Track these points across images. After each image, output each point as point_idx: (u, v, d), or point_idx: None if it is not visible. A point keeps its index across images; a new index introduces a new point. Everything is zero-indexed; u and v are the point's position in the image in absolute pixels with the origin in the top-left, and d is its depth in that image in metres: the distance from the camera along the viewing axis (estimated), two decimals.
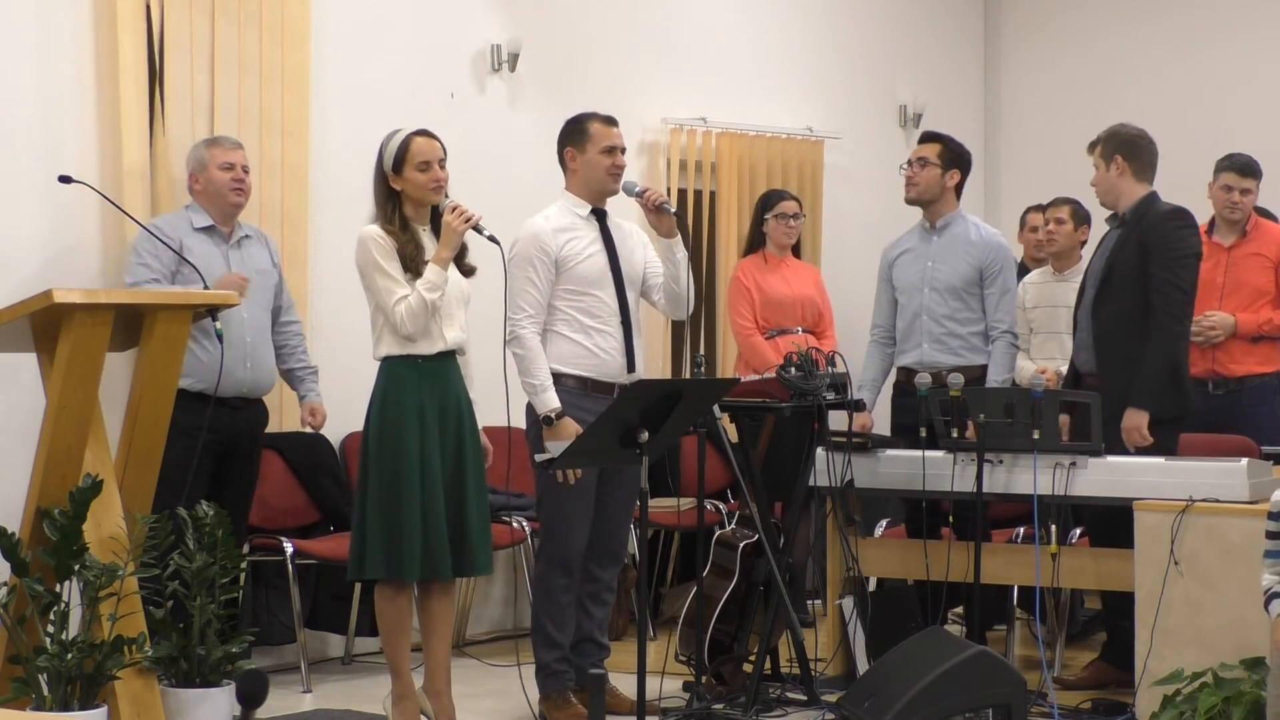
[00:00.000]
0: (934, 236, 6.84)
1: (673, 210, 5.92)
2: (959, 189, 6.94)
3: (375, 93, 7.17)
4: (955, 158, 6.89)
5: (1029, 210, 8.29)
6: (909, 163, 6.92)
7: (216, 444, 6.02)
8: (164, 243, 5.94)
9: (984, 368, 6.70)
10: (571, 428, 5.74)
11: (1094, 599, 7.68)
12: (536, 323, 5.87)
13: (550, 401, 5.80)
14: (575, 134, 6.04)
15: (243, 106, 6.66)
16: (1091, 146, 6.42)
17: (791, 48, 9.14)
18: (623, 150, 6.03)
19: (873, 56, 9.55)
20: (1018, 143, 10.00)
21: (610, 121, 6.04)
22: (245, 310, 6.11)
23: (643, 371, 6.09)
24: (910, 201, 6.90)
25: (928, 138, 7.02)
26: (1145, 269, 6.17)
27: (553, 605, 5.97)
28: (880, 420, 7.02)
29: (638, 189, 5.96)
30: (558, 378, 5.87)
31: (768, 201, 7.93)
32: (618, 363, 5.96)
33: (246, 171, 6.29)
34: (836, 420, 6.43)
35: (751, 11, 8.98)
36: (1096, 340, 6.27)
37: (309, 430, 6.56)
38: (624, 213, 6.28)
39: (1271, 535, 4.71)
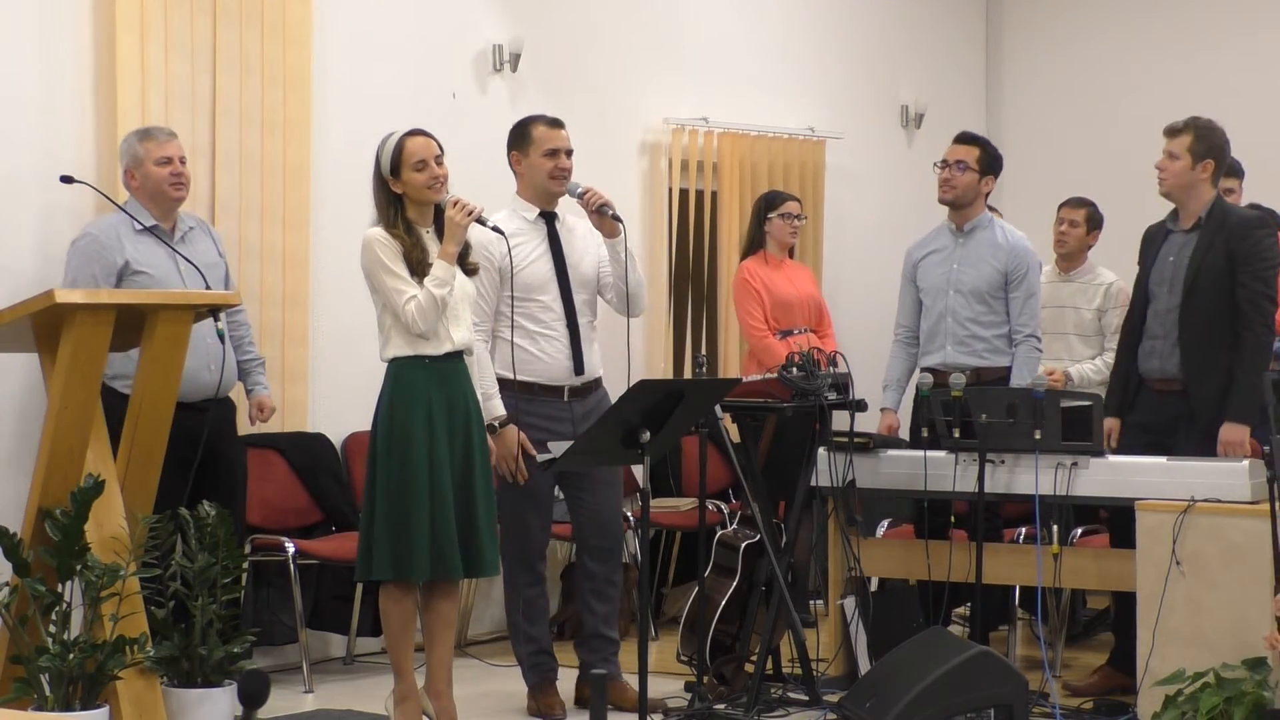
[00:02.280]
0: (960, 239, 6.78)
1: (611, 213, 5.93)
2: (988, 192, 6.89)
3: (376, 93, 7.17)
4: (992, 162, 6.77)
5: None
6: (945, 164, 6.77)
7: (193, 451, 5.72)
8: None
9: (1006, 369, 6.66)
10: (512, 435, 5.85)
11: (1096, 599, 7.69)
12: (482, 329, 5.90)
13: (494, 410, 5.85)
14: (519, 138, 6.09)
15: (243, 106, 6.66)
16: (1173, 131, 6.24)
17: (793, 48, 9.14)
18: (568, 153, 6.05)
19: (874, 56, 9.55)
20: (1019, 143, 9.98)
21: (554, 124, 6.08)
22: None
23: (619, 372, 6.07)
24: (945, 204, 6.80)
25: (966, 139, 6.84)
26: (1234, 276, 6.11)
27: (521, 601, 6.08)
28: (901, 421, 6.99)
29: (579, 190, 5.97)
30: (505, 384, 5.91)
31: (771, 201, 7.90)
32: (563, 366, 6.00)
33: (184, 162, 6.06)
34: (839, 420, 6.41)
35: (752, 11, 8.97)
36: (1185, 348, 6.16)
37: (257, 424, 6.35)
38: (579, 213, 6.22)
39: None
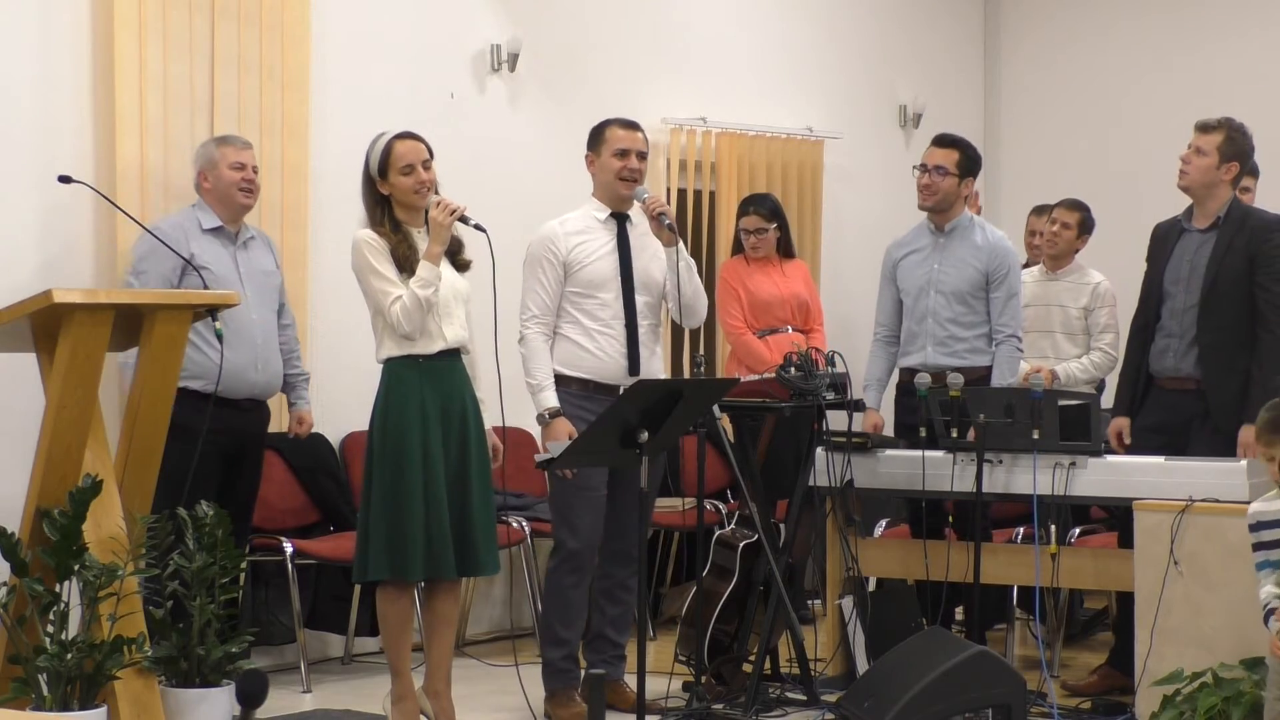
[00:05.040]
0: (941, 239, 6.76)
1: (667, 222, 5.93)
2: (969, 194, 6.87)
3: (375, 93, 7.17)
4: (971, 164, 6.73)
5: None
6: (924, 168, 6.71)
7: (228, 445, 6.02)
8: (171, 249, 5.90)
9: (987, 369, 6.65)
10: (564, 428, 5.83)
11: (1094, 599, 7.70)
12: (541, 323, 5.95)
13: (546, 401, 5.88)
14: (594, 138, 6.12)
15: (243, 106, 6.66)
16: (1205, 128, 6.21)
17: (791, 48, 9.14)
18: (639, 155, 6.05)
19: (873, 56, 9.55)
20: (1017, 143, 10.00)
21: (628, 125, 6.09)
22: (254, 313, 6.13)
23: (650, 373, 6.07)
24: (925, 209, 6.77)
25: (945, 142, 6.78)
26: (1253, 279, 6.09)
27: (560, 603, 6.01)
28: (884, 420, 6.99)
29: (644, 195, 5.99)
30: (561, 379, 5.95)
31: (740, 210, 7.95)
32: (619, 365, 5.99)
33: (256, 172, 6.27)
34: (838, 420, 6.41)
35: (751, 11, 8.97)
36: (1203, 349, 6.15)
37: (294, 437, 6.52)
38: None
39: (1260, 546, 4.77)
